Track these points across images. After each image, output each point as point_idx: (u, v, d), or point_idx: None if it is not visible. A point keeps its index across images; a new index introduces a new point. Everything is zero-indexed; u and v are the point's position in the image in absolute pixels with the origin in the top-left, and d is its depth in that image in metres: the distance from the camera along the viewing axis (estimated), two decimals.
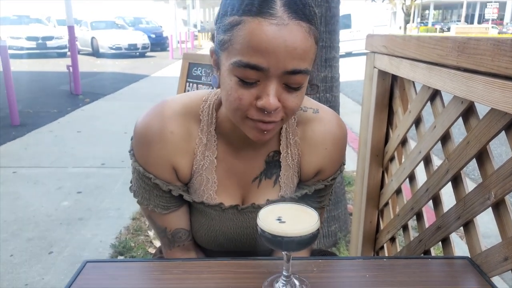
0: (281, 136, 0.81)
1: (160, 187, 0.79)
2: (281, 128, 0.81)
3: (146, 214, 0.85)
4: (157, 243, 2.26)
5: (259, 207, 0.80)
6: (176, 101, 0.79)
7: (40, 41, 13.47)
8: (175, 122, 0.76)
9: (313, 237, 0.62)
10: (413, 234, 1.17)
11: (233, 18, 0.62)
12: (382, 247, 1.39)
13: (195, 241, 0.88)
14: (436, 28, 35.61)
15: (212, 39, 0.71)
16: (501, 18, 36.34)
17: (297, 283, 0.68)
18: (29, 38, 13.31)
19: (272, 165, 0.82)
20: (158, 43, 17.95)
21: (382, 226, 1.40)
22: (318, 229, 0.62)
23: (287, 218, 0.64)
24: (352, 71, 7.73)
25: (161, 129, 0.75)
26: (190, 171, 0.80)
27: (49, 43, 13.68)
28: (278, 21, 0.59)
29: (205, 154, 0.79)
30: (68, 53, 9.12)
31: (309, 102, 0.83)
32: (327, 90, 2.06)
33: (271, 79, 0.62)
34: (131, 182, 0.85)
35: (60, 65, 9.93)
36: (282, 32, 0.59)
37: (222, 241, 0.84)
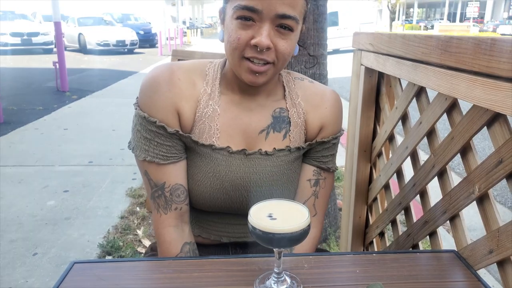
0: (286, 98, 0.89)
1: (164, 130, 0.81)
2: (285, 91, 0.90)
3: (143, 171, 0.86)
4: (146, 242, 2.25)
5: (266, 154, 0.86)
6: (184, 62, 0.89)
7: (25, 37, 13.21)
8: (183, 72, 0.84)
9: (304, 233, 0.62)
10: (401, 228, 1.19)
11: None
12: (372, 242, 1.41)
13: (189, 213, 0.88)
14: (420, 26, 36.00)
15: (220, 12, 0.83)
16: (481, 16, 36.94)
17: (288, 279, 0.69)
18: (13, 34, 13.05)
19: (281, 120, 0.88)
20: (147, 40, 17.77)
21: (371, 221, 1.42)
22: (309, 225, 0.63)
23: (278, 215, 0.64)
24: (340, 68, 7.78)
25: (169, 76, 0.83)
26: (193, 117, 0.84)
27: (35, 39, 13.44)
28: None
29: (208, 103, 0.84)
30: (55, 50, 8.95)
31: (305, 76, 0.95)
32: None
33: (265, 21, 0.74)
34: (129, 142, 0.87)
35: (46, 62, 9.77)
36: None
37: (229, 188, 0.85)
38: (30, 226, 2.44)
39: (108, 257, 2.10)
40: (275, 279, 0.67)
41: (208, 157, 0.84)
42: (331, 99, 0.91)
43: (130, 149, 0.86)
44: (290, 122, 0.88)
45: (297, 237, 0.62)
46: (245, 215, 0.82)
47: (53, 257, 2.12)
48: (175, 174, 0.84)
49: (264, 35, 0.73)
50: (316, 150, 0.92)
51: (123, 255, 2.12)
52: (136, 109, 0.84)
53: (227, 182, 0.85)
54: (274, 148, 0.87)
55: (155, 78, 0.82)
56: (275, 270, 0.67)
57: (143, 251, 2.16)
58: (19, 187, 3.00)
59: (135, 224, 2.46)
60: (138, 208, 2.66)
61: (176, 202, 0.85)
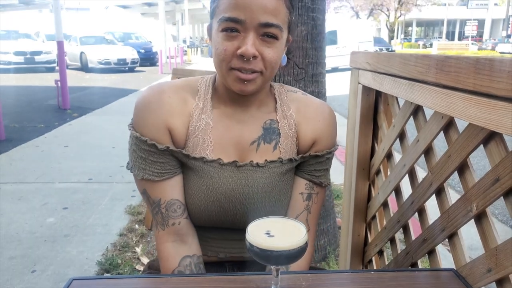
0: (277, 109, 0.90)
1: (155, 148, 0.82)
2: (276, 103, 0.91)
3: (141, 190, 0.87)
4: (145, 260, 2.23)
5: (258, 166, 0.87)
6: (175, 80, 0.91)
7: (28, 56, 13.39)
8: (173, 91, 0.86)
9: (301, 250, 0.63)
10: (400, 246, 1.19)
11: None
12: (371, 260, 1.40)
13: (191, 226, 0.88)
14: (419, 44, 36.52)
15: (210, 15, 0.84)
16: (480, 35, 37.50)
17: None
18: (17, 53, 13.23)
19: (271, 131, 0.89)
20: (148, 58, 17.99)
21: (370, 239, 1.42)
22: (306, 243, 0.63)
23: (276, 232, 0.64)
24: (338, 86, 7.85)
25: (159, 95, 0.85)
26: (186, 132, 0.85)
27: (38, 58, 13.61)
28: None
29: (201, 116, 0.86)
30: (57, 68, 9.05)
31: (299, 90, 0.96)
32: None
33: (249, 31, 0.76)
34: (127, 163, 0.88)
35: (48, 80, 9.87)
36: None
37: (222, 200, 0.85)
38: (29, 243, 2.43)
39: (107, 275, 2.08)
40: None
41: (200, 170, 0.85)
42: (325, 113, 0.92)
43: (129, 169, 0.88)
44: (280, 134, 0.88)
45: (295, 255, 0.62)
46: (241, 229, 0.83)
47: (52, 275, 2.10)
48: (170, 189, 0.85)
49: (249, 44, 0.75)
50: (309, 163, 0.92)
51: (122, 272, 2.10)
52: (130, 129, 0.86)
53: (220, 194, 0.85)
54: (266, 159, 0.87)
55: (146, 98, 0.84)
56: None
57: (142, 268, 2.14)
58: (19, 204, 2.99)
59: (134, 242, 2.44)
60: (137, 226, 2.65)
61: (172, 217, 0.86)
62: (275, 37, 0.77)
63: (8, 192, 3.22)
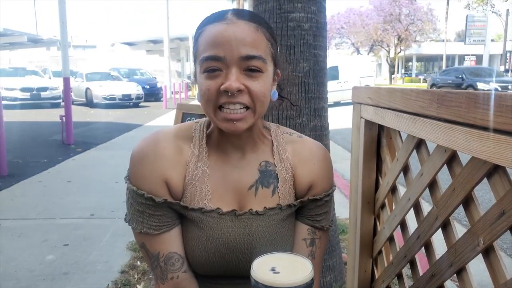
0: (274, 152, 0.88)
1: (153, 201, 0.80)
2: (273, 145, 0.89)
3: (140, 243, 0.85)
4: None
5: (257, 214, 0.84)
6: (169, 128, 0.90)
7: (34, 92, 13.69)
8: (168, 140, 0.85)
9: (307, 286, 0.61)
10: (408, 282, 1.16)
11: (197, 33, 0.80)
12: None
13: (192, 280, 0.85)
14: (420, 79, 37.13)
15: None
16: None
17: None
18: (23, 89, 13.53)
19: (267, 174, 0.87)
20: (152, 94, 18.33)
21: (377, 275, 1.38)
22: (312, 279, 0.62)
23: (281, 269, 0.63)
24: (341, 120, 7.92)
25: (155, 146, 0.83)
26: (183, 182, 0.83)
27: (44, 94, 13.91)
28: (228, 22, 0.76)
29: (197, 165, 0.84)
30: (62, 104, 9.23)
31: (294, 131, 0.95)
32: (317, 138, 2.10)
33: (231, 66, 0.75)
34: (126, 215, 0.87)
35: (53, 115, 10.02)
36: (232, 27, 0.75)
37: (223, 251, 0.83)
38: (27, 281, 2.37)
39: None
40: None
41: (200, 221, 0.83)
42: (320, 155, 0.90)
43: (127, 222, 0.86)
44: (278, 178, 0.86)
45: None
46: (244, 277, 0.81)
47: None
48: (168, 242, 0.83)
49: (232, 79, 0.74)
50: (308, 208, 0.90)
51: None
52: (126, 182, 0.84)
53: (221, 245, 0.83)
54: (265, 207, 0.85)
55: (141, 150, 0.83)
56: None
57: None
58: (18, 241, 2.95)
59: (135, 279, 2.39)
60: (138, 262, 2.60)
61: (171, 271, 0.83)
62: (259, 70, 0.76)
63: (8, 228, 3.19)
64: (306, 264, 0.64)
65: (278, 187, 0.86)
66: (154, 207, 0.81)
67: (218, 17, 0.77)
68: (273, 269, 0.63)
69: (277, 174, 0.87)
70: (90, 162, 5.74)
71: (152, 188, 0.81)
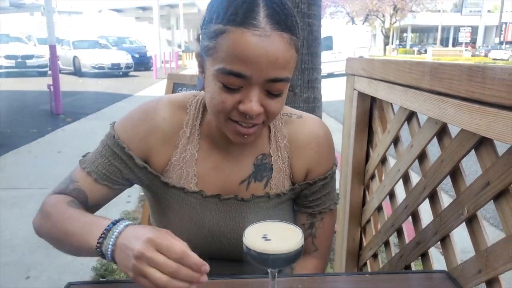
0: (271, 140, 0.84)
1: (131, 160, 0.78)
2: (270, 132, 0.84)
3: (72, 175, 0.83)
4: None
5: (243, 200, 0.82)
6: (169, 95, 0.85)
7: (19, 60, 13.27)
8: (168, 109, 0.81)
9: (298, 254, 0.64)
10: (394, 250, 1.20)
11: (218, 27, 0.65)
12: (365, 264, 1.41)
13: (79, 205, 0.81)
14: (414, 50, 36.89)
15: (198, 40, 0.73)
16: (473, 41, 38.04)
17: None
18: (8, 57, 13.10)
19: (262, 168, 0.83)
20: (142, 63, 17.95)
21: (364, 243, 1.43)
22: (302, 246, 0.64)
23: (272, 236, 0.65)
24: (334, 92, 7.90)
25: (154, 112, 0.80)
26: (167, 162, 0.81)
27: (29, 62, 13.50)
28: (261, 32, 0.63)
29: (186, 147, 0.81)
30: (49, 72, 9.00)
31: (293, 110, 0.88)
32: (309, 110, 2.11)
33: (254, 86, 0.66)
34: (83, 156, 0.84)
35: (40, 84, 9.80)
36: (265, 42, 0.63)
37: (206, 234, 0.82)
38: (23, 249, 2.40)
39: (102, 280, 2.07)
40: None
41: (181, 201, 0.81)
42: (317, 139, 0.85)
43: (80, 164, 0.83)
44: (272, 168, 0.83)
45: (292, 258, 0.63)
46: (229, 259, 0.81)
47: (46, 281, 2.09)
48: (92, 190, 0.80)
49: (253, 102, 0.66)
50: (304, 195, 0.87)
51: (117, 278, 2.09)
52: (110, 129, 0.82)
53: (204, 228, 0.82)
54: (252, 194, 0.83)
55: (142, 110, 0.81)
56: None
57: None
58: (11, 210, 2.96)
59: None
60: None
61: (70, 193, 0.80)
62: (281, 92, 0.69)
63: (1, 198, 3.19)
64: (297, 232, 0.66)
65: (271, 178, 0.83)
66: (119, 161, 0.79)
67: (248, 19, 0.63)
68: (264, 237, 0.65)
69: (272, 165, 0.83)
70: (80, 132, 5.68)
71: (134, 148, 0.79)
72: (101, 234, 0.65)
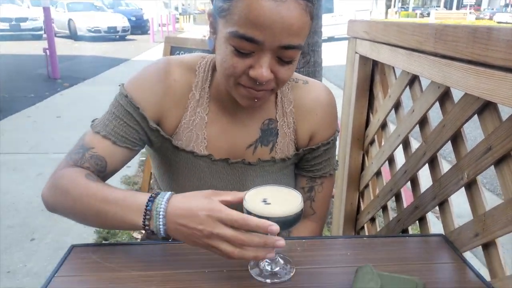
0: (277, 106, 0.85)
1: (144, 120, 0.77)
2: (277, 97, 0.84)
3: (83, 140, 0.78)
4: None
5: (250, 164, 0.84)
6: (177, 56, 0.85)
7: (13, 23, 12.94)
8: (179, 70, 0.80)
9: (297, 217, 0.64)
10: (392, 214, 1.22)
11: None
12: (363, 227, 1.44)
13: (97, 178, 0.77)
14: (416, 13, 35.91)
15: (212, 0, 0.72)
16: (478, 4, 36.96)
17: (281, 262, 0.71)
18: (1, 20, 12.77)
19: (268, 132, 0.84)
20: (139, 26, 17.53)
21: (362, 207, 1.45)
22: (302, 210, 0.65)
23: (273, 200, 0.66)
24: (334, 56, 7.76)
25: (166, 73, 0.79)
26: (177, 124, 0.81)
27: (23, 25, 13.16)
28: None
29: (196, 110, 0.81)
30: (44, 36, 8.78)
31: (299, 76, 0.89)
32: (309, 74, 2.07)
33: (266, 51, 0.65)
34: (92, 121, 0.80)
35: (35, 48, 9.61)
36: (280, 8, 0.62)
37: None
38: (26, 212, 2.45)
39: (105, 242, 2.12)
40: (269, 261, 0.69)
41: (191, 164, 0.83)
42: (322, 104, 0.86)
43: (92, 128, 0.79)
44: (278, 133, 0.85)
45: (291, 221, 0.64)
46: None
47: (50, 242, 2.15)
48: (110, 153, 0.77)
49: (264, 68, 0.66)
50: (306, 159, 0.89)
51: (120, 240, 2.14)
52: (120, 90, 0.79)
53: (212, 189, 0.82)
54: (259, 158, 0.85)
55: (153, 70, 0.79)
56: None
57: (139, 236, 2.18)
58: (13, 175, 2.99)
59: None
60: None
61: (88, 162, 0.76)
62: (293, 59, 0.69)
63: (1, 162, 3.21)
64: (297, 196, 0.67)
65: (277, 142, 0.85)
66: (134, 122, 0.77)
67: None
68: (264, 200, 0.65)
69: (278, 130, 0.85)
70: (79, 97, 5.63)
71: (147, 109, 0.77)
72: (145, 216, 0.65)
